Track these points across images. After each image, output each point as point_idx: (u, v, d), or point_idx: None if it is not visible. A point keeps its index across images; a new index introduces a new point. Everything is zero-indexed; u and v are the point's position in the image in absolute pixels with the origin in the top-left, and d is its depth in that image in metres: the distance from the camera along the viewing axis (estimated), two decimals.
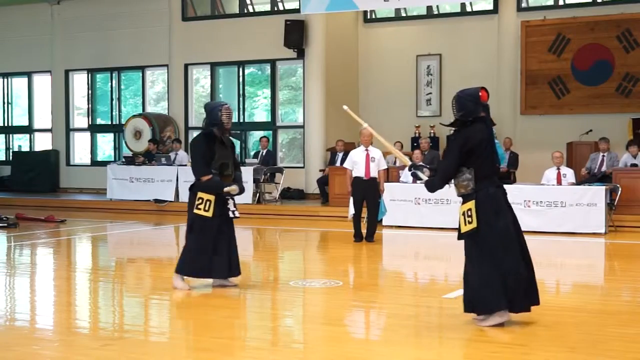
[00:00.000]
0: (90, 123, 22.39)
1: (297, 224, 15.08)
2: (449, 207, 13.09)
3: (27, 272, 9.83)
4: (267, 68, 20.13)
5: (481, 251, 6.28)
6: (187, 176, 15.24)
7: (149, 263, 10.72)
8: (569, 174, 13.84)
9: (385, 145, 7.28)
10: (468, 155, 6.29)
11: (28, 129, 23.53)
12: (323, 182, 16.92)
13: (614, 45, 17.58)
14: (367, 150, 11.95)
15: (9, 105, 23.73)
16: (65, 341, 6.14)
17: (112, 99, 22.15)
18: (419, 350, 5.80)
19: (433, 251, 12.09)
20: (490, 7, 18.97)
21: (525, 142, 17.76)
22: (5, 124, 23.77)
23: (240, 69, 20.33)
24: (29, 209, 17.34)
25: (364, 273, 10.10)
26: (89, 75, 22.27)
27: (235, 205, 8.02)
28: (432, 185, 6.55)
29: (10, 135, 23.80)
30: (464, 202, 6.37)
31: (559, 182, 13.66)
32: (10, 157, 23.29)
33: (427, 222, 13.86)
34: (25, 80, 23.43)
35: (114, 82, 22.06)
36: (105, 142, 22.81)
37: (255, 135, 20.47)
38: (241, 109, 20.32)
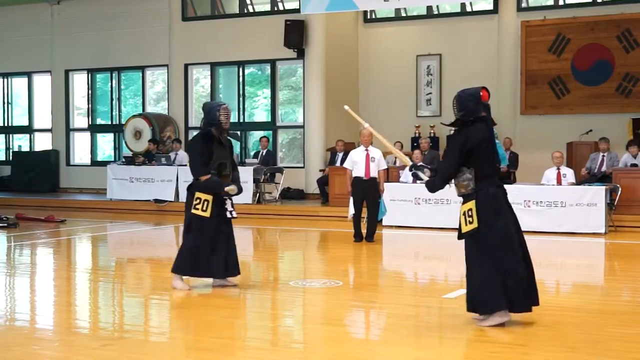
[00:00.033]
0: (90, 123, 22.39)
1: (297, 224, 15.08)
2: (449, 207, 13.09)
3: (27, 272, 9.83)
4: (267, 68, 20.13)
5: (482, 251, 6.28)
6: (187, 176, 15.21)
7: (149, 263, 10.72)
8: (569, 174, 13.84)
9: (387, 146, 7.28)
10: (468, 155, 6.29)
11: (28, 129, 23.53)
12: (323, 182, 16.92)
13: (614, 45, 17.58)
14: (367, 150, 11.95)
15: (9, 105, 23.73)
16: (65, 341, 6.14)
17: (112, 99, 22.15)
18: (419, 350, 5.80)
19: (433, 251, 12.09)
20: (490, 7, 18.97)
21: (525, 142, 17.76)
22: (5, 124, 23.78)
23: (240, 69, 20.33)
24: (29, 209, 17.34)
25: (364, 273, 10.10)
26: (89, 75, 22.27)
27: (232, 205, 8.02)
28: (433, 186, 6.55)
29: (10, 135, 23.81)
30: (464, 202, 6.37)
31: (559, 182, 13.66)
32: (10, 157, 23.29)
33: (427, 222, 13.86)
34: (25, 80, 23.43)
35: (114, 82, 22.07)
36: (105, 142, 22.81)
37: (255, 135, 20.48)
38: (241, 109, 20.32)
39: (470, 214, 6.27)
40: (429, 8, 19.42)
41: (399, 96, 19.48)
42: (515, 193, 12.44)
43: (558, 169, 13.81)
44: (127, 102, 22.54)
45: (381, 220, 12.64)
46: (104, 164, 20.13)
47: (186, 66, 20.75)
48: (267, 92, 20.25)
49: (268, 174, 17.40)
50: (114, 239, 13.67)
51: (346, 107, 7.87)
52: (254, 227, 14.80)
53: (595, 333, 6.28)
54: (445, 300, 7.58)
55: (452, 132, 6.62)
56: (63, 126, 22.51)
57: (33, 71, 23.08)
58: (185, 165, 17.05)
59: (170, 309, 7.49)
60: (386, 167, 12.51)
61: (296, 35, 18.51)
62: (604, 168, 14.77)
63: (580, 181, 14.31)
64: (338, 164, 16.24)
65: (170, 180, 17.46)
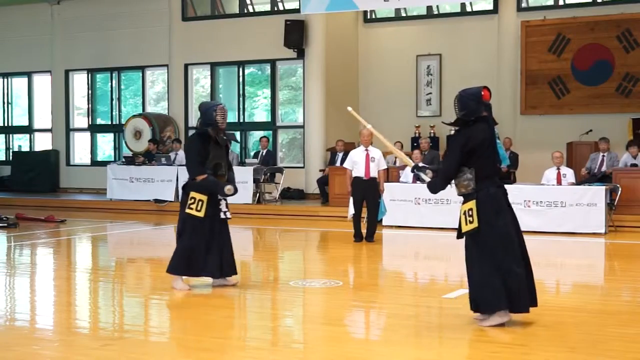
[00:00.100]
0: (90, 123, 22.39)
1: (297, 224, 15.08)
2: (449, 207, 13.09)
3: (27, 272, 9.83)
4: (267, 68, 20.13)
5: (481, 251, 6.28)
6: (187, 176, 15.23)
7: (149, 263, 10.72)
8: (569, 174, 13.84)
9: (388, 147, 7.28)
10: (469, 155, 6.28)
11: (28, 129, 23.53)
12: (323, 182, 16.92)
13: (614, 45, 17.58)
14: (367, 150, 11.95)
15: (9, 105, 23.73)
16: (65, 341, 6.14)
17: (112, 99, 22.15)
18: (419, 350, 5.80)
19: (433, 251, 12.09)
20: (490, 7, 18.97)
21: (525, 142, 17.76)
22: (5, 124, 23.77)
23: (240, 69, 20.33)
24: (29, 209, 17.34)
25: (364, 273, 10.10)
26: (89, 75, 22.27)
27: (227, 206, 8.02)
28: (435, 186, 6.54)
29: (10, 135, 23.81)
30: (464, 202, 6.37)
31: (559, 182, 13.66)
32: (10, 157, 23.29)
33: (427, 222, 13.85)
34: (25, 80, 23.43)
35: (114, 82, 22.07)
36: (105, 142, 22.81)
37: (255, 135, 20.47)
38: (241, 109, 20.33)
39: (470, 213, 6.27)
40: (429, 8, 19.42)
41: (399, 96, 19.48)
42: (515, 193, 12.43)
43: (558, 169, 13.81)
44: (127, 102, 22.54)
45: (381, 220, 12.63)
46: (104, 164, 20.13)
47: (186, 66, 20.75)
48: (267, 92, 20.25)
49: (268, 174, 17.40)
50: (114, 239, 13.67)
51: (349, 108, 7.87)
52: (254, 227, 14.80)
53: (595, 333, 6.28)
54: (445, 300, 7.57)
55: (452, 131, 6.62)
56: (63, 126, 22.51)
57: (33, 71, 23.07)
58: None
59: (170, 309, 7.49)
60: (386, 167, 12.51)
61: (296, 35, 18.51)
62: (604, 168, 14.77)
63: (580, 181, 14.31)
64: (338, 164, 16.24)
65: (170, 180, 17.46)
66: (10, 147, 23.71)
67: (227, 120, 8.07)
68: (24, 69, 23.08)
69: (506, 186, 6.56)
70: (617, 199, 13.68)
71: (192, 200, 7.82)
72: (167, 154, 18.55)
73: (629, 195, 13.83)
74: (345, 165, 12.40)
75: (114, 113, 22.09)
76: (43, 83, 23.21)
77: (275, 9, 19.98)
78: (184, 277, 8.04)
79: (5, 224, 14.22)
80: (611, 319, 6.80)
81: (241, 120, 20.26)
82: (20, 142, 23.70)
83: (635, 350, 5.75)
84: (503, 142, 16.52)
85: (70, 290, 8.64)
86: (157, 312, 7.53)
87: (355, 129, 18.09)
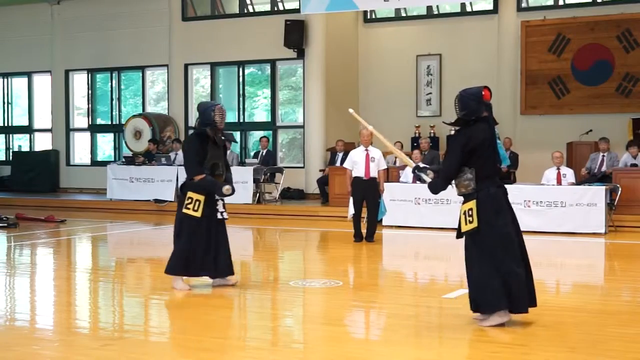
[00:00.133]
0: (90, 123, 22.39)
1: (297, 224, 15.08)
2: (449, 207, 13.09)
3: (27, 272, 9.83)
4: (267, 68, 20.13)
5: (481, 251, 6.28)
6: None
7: (149, 263, 10.72)
8: (569, 174, 13.84)
9: (390, 148, 7.28)
10: (470, 154, 6.28)
11: (28, 129, 23.54)
12: (323, 182, 16.92)
13: (614, 45, 17.58)
14: (367, 150, 11.95)
15: (9, 105, 23.73)
16: (65, 341, 6.14)
17: (112, 99, 22.15)
18: (419, 350, 5.80)
19: (433, 251, 12.09)
20: (490, 7, 18.97)
21: (525, 142, 17.76)
22: (5, 124, 23.78)
23: (240, 69, 20.33)
24: (29, 209, 17.34)
25: (364, 273, 10.10)
26: (89, 75, 22.27)
27: (224, 206, 8.02)
28: (436, 187, 6.54)
29: (10, 135, 23.81)
30: (465, 202, 6.37)
31: (559, 182, 13.66)
32: (10, 157, 23.29)
33: (427, 222, 13.85)
34: (25, 80, 23.43)
35: (114, 82, 22.07)
36: (105, 142, 22.82)
37: (255, 135, 20.47)
38: (241, 109, 20.33)
39: (470, 213, 6.27)
40: (429, 8, 19.42)
41: (399, 96, 19.48)
42: (515, 193, 12.42)
43: (558, 169, 13.81)
44: (127, 102, 22.54)
45: (381, 220, 12.63)
46: (104, 164, 20.13)
47: (186, 66, 20.75)
48: (267, 92, 20.25)
49: (268, 174, 17.40)
50: (114, 239, 13.67)
51: (351, 110, 7.87)
52: (254, 227, 14.80)
53: (595, 333, 6.28)
54: (445, 300, 7.57)
55: (452, 131, 6.63)
56: (63, 126, 22.51)
57: (33, 71, 23.08)
58: None
59: (170, 309, 7.48)
60: (386, 167, 12.51)
61: (296, 35, 18.51)
62: (604, 168, 14.77)
63: (580, 181, 14.31)
64: (338, 164, 16.24)
65: (170, 180, 17.45)
66: (10, 147, 23.71)
67: (227, 120, 8.07)
68: (24, 69, 23.09)
69: (506, 186, 6.57)
70: (617, 199, 13.68)
71: (189, 200, 7.82)
72: (167, 154, 18.55)
73: (629, 195, 13.83)
74: (345, 165, 12.40)
75: (114, 113, 22.09)
76: (43, 83, 23.21)
77: (275, 9, 19.98)
78: (184, 277, 8.04)
79: (5, 224, 14.22)
80: (611, 319, 6.80)
81: (241, 120, 20.26)
82: (20, 142, 23.70)
83: (635, 350, 5.75)
84: (503, 142, 16.51)
85: (70, 290, 8.64)
86: (157, 312, 7.53)
87: (355, 129, 18.09)
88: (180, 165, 17.41)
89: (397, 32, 19.81)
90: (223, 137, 8.11)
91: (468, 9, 19.25)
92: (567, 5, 18.45)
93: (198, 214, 7.80)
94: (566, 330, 6.35)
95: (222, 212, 7.95)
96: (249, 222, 15.14)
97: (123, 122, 21.07)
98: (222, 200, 7.98)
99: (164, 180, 17.57)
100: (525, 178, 15.90)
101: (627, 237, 13.04)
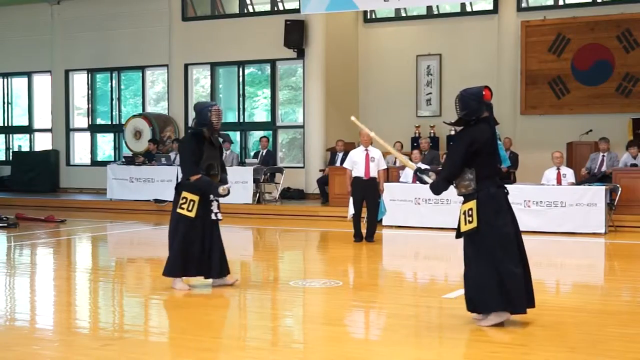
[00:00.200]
0: (90, 123, 22.39)
1: (297, 224, 15.08)
2: (449, 207, 13.09)
3: (27, 272, 9.83)
4: (267, 68, 20.13)
5: (479, 251, 6.28)
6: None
7: (149, 263, 10.72)
8: (569, 174, 13.84)
9: (392, 152, 7.28)
10: (473, 155, 6.26)
11: (28, 129, 23.53)
12: (323, 182, 16.92)
13: (614, 45, 17.58)
14: (366, 150, 11.95)
15: (9, 105, 23.73)
16: (65, 341, 6.14)
17: (112, 99, 22.15)
18: (419, 350, 5.80)
19: (433, 251, 12.09)
20: (490, 7, 18.97)
21: (525, 142, 17.76)
22: (5, 124, 23.78)
23: (240, 69, 20.33)
24: (29, 209, 17.34)
25: (364, 273, 10.10)
26: (89, 75, 22.27)
27: (219, 207, 8.02)
28: (437, 187, 6.52)
29: (10, 135, 23.81)
30: (465, 202, 6.37)
31: (559, 182, 13.66)
32: (10, 157, 23.29)
33: (427, 222, 13.85)
34: (25, 80, 23.43)
35: (114, 82, 22.07)
36: (105, 142, 22.82)
37: (255, 135, 20.47)
38: (241, 109, 20.32)
39: (470, 213, 6.27)
40: (429, 8, 19.42)
41: (399, 96, 19.48)
42: (515, 193, 12.35)
43: (558, 169, 13.81)
44: (127, 102, 22.54)
45: (381, 220, 12.64)
46: (104, 164, 20.13)
47: (186, 66, 20.75)
48: (267, 92, 20.25)
49: (268, 174, 17.40)
50: (114, 239, 13.67)
51: (353, 118, 7.88)
52: (254, 227, 14.80)
53: (595, 333, 6.29)
54: (445, 300, 7.57)
55: (452, 131, 6.63)
56: (63, 126, 22.51)
57: (33, 71, 23.08)
58: None
59: (170, 309, 7.48)
60: (386, 167, 12.51)
61: (296, 35, 18.51)
62: (604, 168, 14.77)
63: (580, 181, 14.31)
64: (338, 164, 16.24)
65: (170, 180, 17.42)
66: (10, 147, 23.71)
67: (228, 121, 8.09)
68: (24, 69, 23.09)
69: (506, 186, 6.56)
70: (617, 199, 13.68)
71: (184, 200, 7.83)
72: (167, 154, 18.55)
73: (629, 195, 13.83)
74: (345, 165, 12.40)
75: (114, 113, 22.09)
76: (43, 83, 23.21)
77: (275, 9, 19.98)
78: (183, 277, 8.04)
79: (5, 224, 14.22)
80: (611, 319, 6.80)
81: (241, 120, 20.26)
82: (20, 142, 23.70)
83: (635, 350, 5.75)
84: (503, 142, 16.51)
85: (70, 290, 8.64)
86: (157, 312, 7.53)
87: (355, 129, 18.07)
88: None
89: (397, 32, 19.81)
90: (222, 139, 8.11)
91: (468, 9, 19.25)
92: (567, 5, 18.45)
93: (192, 214, 7.80)
94: (566, 330, 6.35)
95: (216, 213, 7.95)
96: (249, 222, 15.14)
97: (123, 122, 21.07)
98: (218, 200, 7.98)
99: (164, 180, 17.56)
100: (525, 178, 15.89)
101: (627, 237, 13.04)
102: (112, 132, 22.13)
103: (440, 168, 6.94)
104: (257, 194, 17.03)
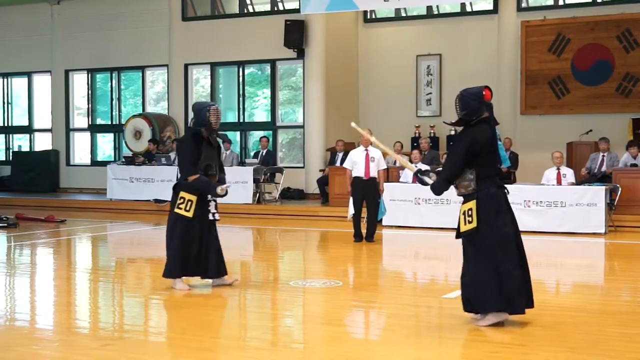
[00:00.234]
0: (90, 123, 22.39)
1: (297, 224, 15.08)
2: (449, 207, 13.09)
3: (27, 272, 9.83)
4: (267, 68, 20.13)
5: (478, 251, 6.28)
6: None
7: (149, 263, 10.72)
8: (568, 174, 13.84)
9: (393, 156, 7.27)
10: (473, 156, 6.26)
11: (28, 129, 23.53)
12: (323, 182, 16.92)
13: (614, 45, 17.58)
14: (366, 150, 11.95)
15: (9, 105, 23.73)
16: (65, 341, 6.14)
17: (112, 99, 22.15)
18: (419, 350, 5.80)
19: (433, 251, 12.09)
20: (490, 7, 18.97)
21: (525, 142, 17.76)
22: (5, 124, 23.78)
23: (240, 69, 20.33)
24: (29, 209, 17.34)
25: (364, 273, 10.10)
26: (89, 75, 22.27)
27: (216, 207, 8.02)
28: (438, 188, 6.52)
29: (10, 135, 23.80)
30: (464, 202, 6.37)
31: (559, 182, 13.66)
32: (10, 157, 23.29)
33: (427, 222, 13.85)
34: (25, 80, 23.43)
35: (114, 82, 22.07)
36: (105, 142, 22.82)
37: (255, 135, 20.47)
38: (241, 109, 20.32)
39: (470, 213, 6.27)
40: (429, 8, 19.42)
41: (399, 96, 19.48)
42: (515, 193, 12.35)
43: (558, 169, 13.81)
44: (127, 102, 22.54)
45: (381, 220, 12.64)
46: (104, 164, 20.13)
47: (186, 66, 20.75)
48: (267, 92, 20.25)
49: (268, 174, 17.40)
50: (114, 239, 13.67)
51: (353, 124, 7.89)
52: (254, 227, 14.80)
53: (595, 333, 6.29)
54: (445, 300, 7.57)
55: (452, 131, 6.63)
56: (63, 126, 22.51)
57: (33, 71, 23.08)
58: None
59: (170, 309, 7.48)
60: (386, 167, 12.51)
61: (296, 35, 18.51)
62: (604, 168, 14.77)
63: (580, 181, 14.31)
64: (338, 164, 16.24)
65: (170, 180, 17.32)
66: (10, 147, 23.71)
67: (228, 121, 8.09)
68: (24, 69, 23.08)
69: (506, 186, 6.56)
70: (617, 199, 13.68)
71: (182, 200, 7.84)
72: (167, 154, 18.55)
73: (629, 195, 13.83)
74: (345, 165, 12.41)
75: (114, 113, 22.09)
76: (43, 83, 23.21)
77: (275, 9, 19.98)
78: (183, 277, 8.04)
79: (5, 224, 14.22)
80: (611, 319, 6.80)
81: (241, 120, 20.25)
82: (20, 142, 23.70)
83: (635, 350, 5.75)
84: (503, 142, 16.51)
85: (70, 290, 8.64)
86: (157, 312, 7.53)
87: (354, 129, 18.07)
88: None
89: (397, 32, 19.81)
90: (222, 140, 8.11)
91: (468, 9, 19.25)
92: (567, 5, 18.45)
93: (190, 214, 7.80)
94: (566, 330, 6.35)
95: (213, 213, 7.95)
96: (249, 222, 15.14)
97: (123, 122, 21.07)
98: (215, 201, 7.98)
99: (164, 180, 17.54)
100: (525, 178, 15.89)
101: (627, 237, 13.04)
102: (112, 132, 22.13)
103: (440, 168, 6.92)
104: (257, 194, 17.03)
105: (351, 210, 11.95)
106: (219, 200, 8.05)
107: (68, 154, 22.49)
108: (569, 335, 6.19)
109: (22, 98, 23.73)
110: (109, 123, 22.22)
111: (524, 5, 18.61)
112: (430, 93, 19.33)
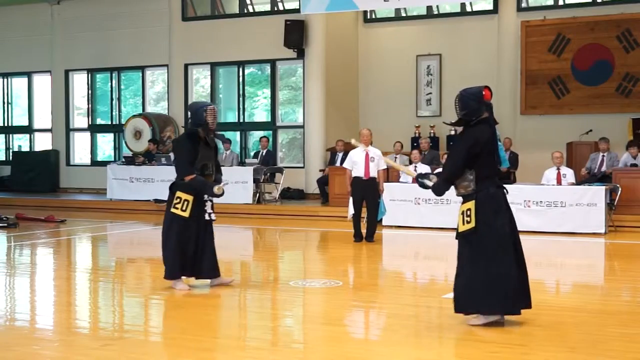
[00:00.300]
0: (90, 123, 22.39)
1: (297, 224, 15.08)
2: (449, 207, 13.08)
3: (27, 272, 9.83)
4: (267, 68, 20.13)
5: (475, 252, 6.27)
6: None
7: (149, 263, 10.71)
8: (568, 174, 13.84)
9: (391, 164, 7.30)
10: (474, 157, 6.26)
11: (28, 129, 23.54)
12: (323, 182, 16.93)
13: (614, 45, 17.58)
14: (366, 150, 11.95)
15: (9, 105, 23.73)
16: (65, 341, 6.14)
17: (112, 99, 22.15)
18: (419, 350, 5.80)
19: (433, 251, 12.09)
20: (490, 7, 18.97)
21: (525, 142, 17.76)
22: (5, 124, 23.78)
23: (240, 69, 20.33)
24: (29, 209, 17.34)
25: (364, 273, 10.10)
26: (89, 75, 22.27)
27: (212, 207, 8.02)
28: (439, 189, 6.51)
29: (10, 135, 23.81)
30: (464, 202, 6.37)
31: (559, 182, 13.66)
32: (10, 157, 23.29)
33: (427, 222, 13.86)
34: (25, 80, 23.43)
35: (114, 82, 22.07)
36: (105, 142, 22.82)
37: (255, 135, 20.47)
38: (241, 109, 20.32)
39: (468, 213, 6.27)
40: (429, 8, 19.42)
41: (399, 96, 19.48)
42: (515, 193, 12.42)
43: (558, 169, 13.81)
44: (127, 102, 22.54)
45: (381, 220, 12.64)
46: (104, 164, 20.13)
47: (186, 66, 20.76)
48: (267, 92, 20.26)
49: (268, 174, 17.40)
50: (114, 239, 13.67)
51: (353, 140, 7.95)
52: (254, 227, 14.79)
53: (595, 333, 6.29)
54: (445, 300, 7.56)
55: (452, 131, 6.64)
56: (63, 126, 22.52)
57: (33, 71, 23.08)
58: None
59: (170, 309, 7.48)
60: (385, 167, 12.49)
61: (296, 35, 18.52)
62: (604, 168, 14.77)
63: (580, 181, 14.31)
64: (338, 164, 16.25)
65: (170, 180, 17.29)
66: (10, 147, 23.71)
67: (228, 120, 8.08)
68: (24, 69, 23.09)
69: (506, 186, 6.56)
70: (617, 199, 13.68)
71: (178, 200, 7.83)
72: (167, 154, 18.54)
73: (629, 195, 13.83)
74: (345, 165, 12.41)
75: (114, 113, 22.09)
76: (43, 83, 23.21)
77: (275, 9, 19.98)
78: (182, 277, 8.04)
79: (5, 224, 14.22)
80: (611, 319, 6.80)
81: (241, 120, 20.25)
82: (20, 142, 23.70)
83: (635, 350, 5.75)
84: (503, 142, 16.51)
85: (70, 290, 8.64)
86: (157, 312, 7.53)
87: (355, 129, 18.12)
88: None
89: (397, 32, 19.81)
90: (221, 140, 8.10)
91: (468, 9, 19.25)
92: (567, 5, 18.45)
93: (186, 214, 7.80)
94: (566, 330, 6.35)
95: (210, 213, 7.95)
96: (249, 222, 15.14)
97: (123, 122, 21.07)
98: (212, 201, 7.98)
99: (164, 180, 17.47)
100: (525, 178, 15.90)
101: (627, 237, 13.04)
102: (112, 132, 22.13)
103: (440, 169, 6.92)
104: (257, 194, 17.03)
105: (351, 210, 11.96)
106: (217, 200, 8.04)
107: (68, 154, 22.50)
108: (569, 335, 6.19)
109: (22, 98, 23.74)
110: (109, 123, 22.22)
111: (524, 5, 18.61)
112: (430, 93, 19.33)
